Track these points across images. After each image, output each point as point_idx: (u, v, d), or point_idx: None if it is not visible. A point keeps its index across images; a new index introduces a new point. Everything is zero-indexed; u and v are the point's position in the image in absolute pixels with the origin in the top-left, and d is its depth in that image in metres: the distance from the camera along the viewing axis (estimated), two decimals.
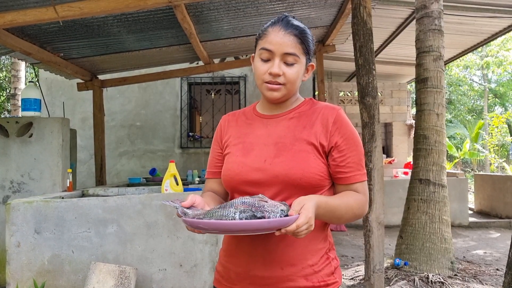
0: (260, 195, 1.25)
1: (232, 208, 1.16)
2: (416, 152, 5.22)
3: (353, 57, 3.98)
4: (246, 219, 1.13)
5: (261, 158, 1.39)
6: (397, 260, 4.89)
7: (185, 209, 1.22)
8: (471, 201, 10.90)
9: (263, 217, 1.13)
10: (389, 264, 5.04)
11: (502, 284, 3.61)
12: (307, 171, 1.33)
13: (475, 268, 5.20)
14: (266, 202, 1.19)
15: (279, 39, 1.36)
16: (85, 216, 3.27)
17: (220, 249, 1.53)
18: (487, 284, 4.55)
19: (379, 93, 8.32)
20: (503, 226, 8.45)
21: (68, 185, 4.17)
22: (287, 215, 1.15)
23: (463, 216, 8.49)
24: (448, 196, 5.13)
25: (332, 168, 1.39)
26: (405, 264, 4.85)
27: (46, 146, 4.35)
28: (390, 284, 4.45)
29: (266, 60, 1.38)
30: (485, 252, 6.22)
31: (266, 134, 1.44)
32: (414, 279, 4.52)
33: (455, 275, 4.76)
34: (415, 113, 5.62)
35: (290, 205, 1.21)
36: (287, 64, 1.37)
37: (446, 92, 5.41)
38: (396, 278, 4.59)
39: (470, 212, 9.58)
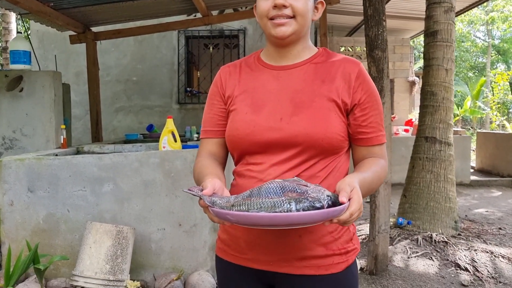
0: (295, 178, 1.06)
1: (278, 196, 0.96)
2: (423, 109, 5.03)
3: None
4: (303, 210, 0.94)
5: (275, 115, 1.21)
6: (400, 219, 4.82)
7: (212, 198, 1.01)
8: (472, 159, 10.83)
9: (322, 207, 0.95)
10: (391, 223, 4.97)
11: None
12: (329, 131, 1.18)
13: (477, 227, 5.14)
14: (307, 186, 0.99)
15: None
16: (80, 174, 3.14)
17: None
18: (491, 243, 4.49)
19: None
20: (505, 185, 8.40)
21: (62, 142, 4.01)
22: (334, 201, 0.98)
23: (465, 174, 8.41)
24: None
25: (353, 128, 1.24)
26: (408, 223, 4.78)
27: (38, 101, 4.16)
28: (393, 244, 4.38)
29: None
30: (487, 211, 6.17)
31: (278, 88, 1.25)
32: (418, 238, 4.45)
33: (459, 234, 4.70)
34: (422, 68, 5.40)
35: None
36: None
37: None
38: (399, 238, 4.53)
39: (471, 170, 9.51)
